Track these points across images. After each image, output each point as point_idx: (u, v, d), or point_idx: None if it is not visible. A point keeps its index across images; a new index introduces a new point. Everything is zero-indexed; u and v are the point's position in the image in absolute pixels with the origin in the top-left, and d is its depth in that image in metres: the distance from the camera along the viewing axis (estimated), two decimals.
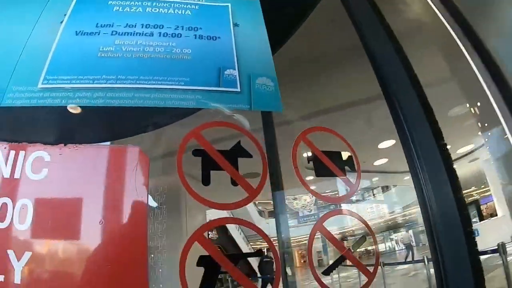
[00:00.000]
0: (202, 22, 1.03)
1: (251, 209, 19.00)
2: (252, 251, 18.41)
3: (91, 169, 0.80)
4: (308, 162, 0.99)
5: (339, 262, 1.09)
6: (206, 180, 0.84)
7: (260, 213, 20.55)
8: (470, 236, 0.89)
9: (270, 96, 0.98)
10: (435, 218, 0.97)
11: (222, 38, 1.02)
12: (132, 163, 0.82)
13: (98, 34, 0.95)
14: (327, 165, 1.00)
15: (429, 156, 1.03)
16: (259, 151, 0.92)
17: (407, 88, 1.14)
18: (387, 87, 1.17)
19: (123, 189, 0.80)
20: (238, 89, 0.94)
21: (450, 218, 0.91)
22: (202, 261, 0.80)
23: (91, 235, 0.76)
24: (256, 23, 1.09)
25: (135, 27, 0.97)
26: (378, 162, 6.67)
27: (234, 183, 0.87)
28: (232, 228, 15.66)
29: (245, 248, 16.25)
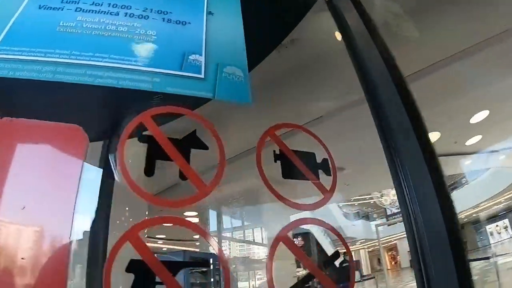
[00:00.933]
0: (174, 7, 0.98)
1: (335, 210, 18.35)
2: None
3: (23, 146, 0.73)
4: (275, 161, 0.89)
5: (306, 280, 0.96)
6: (149, 171, 0.75)
7: (346, 215, 19.94)
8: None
9: (238, 86, 0.90)
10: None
11: (192, 24, 0.96)
12: (71, 143, 0.74)
13: (62, 10, 0.91)
14: (297, 165, 0.90)
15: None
16: (217, 143, 0.83)
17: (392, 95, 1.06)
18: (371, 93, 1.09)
19: (54, 170, 0.71)
20: (202, 76, 0.87)
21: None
22: (131, 266, 0.68)
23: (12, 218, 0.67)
24: (232, 13, 1.04)
25: (101, 5, 0.93)
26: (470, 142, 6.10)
27: (182, 176, 0.77)
28: (318, 232, 15.31)
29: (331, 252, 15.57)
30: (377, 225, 21.27)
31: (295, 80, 2.64)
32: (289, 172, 0.90)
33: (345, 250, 0.90)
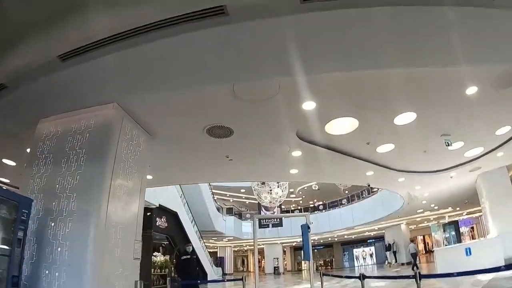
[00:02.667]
0: None
1: (209, 205, 17.75)
2: (204, 250, 16.75)
3: None
4: None
5: None
6: None
7: (218, 209, 19.38)
8: None
9: None
10: None
11: None
12: None
13: None
14: None
15: None
16: None
17: None
18: None
19: None
20: None
21: None
22: None
23: None
24: None
25: None
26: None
27: None
28: (186, 220, 14.70)
29: (197, 244, 15.49)
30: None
31: None
32: None
33: None
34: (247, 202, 25.66)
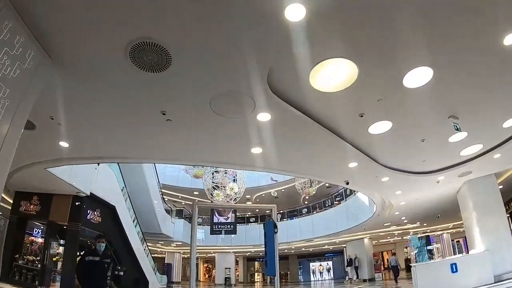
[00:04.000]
0: None
1: (157, 205, 15.38)
2: (146, 254, 14.11)
3: None
4: None
5: None
6: None
7: (168, 210, 16.97)
8: None
9: None
10: None
11: None
12: None
13: None
14: None
15: None
16: None
17: None
18: None
19: None
20: None
21: None
22: None
23: None
24: None
25: None
26: None
27: None
28: (127, 218, 12.24)
29: (139, 247, 13.09)
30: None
31: None
32: None
33: None
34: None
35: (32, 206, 8.76)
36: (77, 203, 9.07)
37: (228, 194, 13.87)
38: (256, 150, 5.34)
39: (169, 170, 18.78)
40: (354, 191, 13.15)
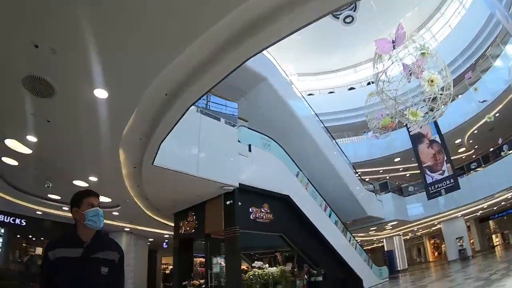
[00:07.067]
0: None
1: (353, 185, 12.61)
2: (354, 247, 12.51)
3: None
4: None
5: None
6: None
7: (372, 190, 14.32)
8: None
9: None
10: None
11: None
12: None
13: None
14: None
15: None
16: None
17: None
18: None
19: None
20: None
21: None
22: None
23: None
24: None
25: None
26: None
27: None
28: (314, 213, 9.71)
29: (339, 241, 10.15)
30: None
31: None
32: None
33: None
34: (407, 175, 18.86)
35: (188, 224, 7.87)
36: (228, 202, 7.03)
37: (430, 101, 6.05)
38: None
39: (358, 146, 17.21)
40: None
